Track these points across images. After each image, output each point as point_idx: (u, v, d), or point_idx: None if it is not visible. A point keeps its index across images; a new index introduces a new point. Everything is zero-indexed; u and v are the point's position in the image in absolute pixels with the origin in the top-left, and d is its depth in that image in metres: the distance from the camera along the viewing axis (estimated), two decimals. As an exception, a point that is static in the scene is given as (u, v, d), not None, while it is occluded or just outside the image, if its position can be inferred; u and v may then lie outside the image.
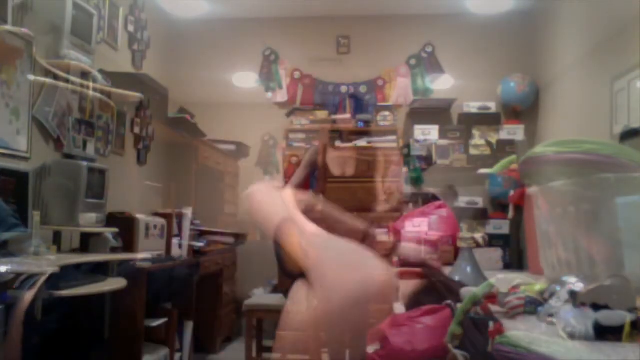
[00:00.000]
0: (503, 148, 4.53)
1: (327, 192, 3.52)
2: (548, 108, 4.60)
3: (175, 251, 3.72)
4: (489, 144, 4.69)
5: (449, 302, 0.96)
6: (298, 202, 1.32)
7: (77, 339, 2.81)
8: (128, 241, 3.23)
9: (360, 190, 3.70)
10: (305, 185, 3.35)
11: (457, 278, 1.65)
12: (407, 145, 4.64)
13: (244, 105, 5.15)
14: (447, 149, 4.68)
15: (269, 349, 3.78)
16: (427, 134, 4.71)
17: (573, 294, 0.81)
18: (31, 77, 2.90)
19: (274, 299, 3.65)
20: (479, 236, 2.54)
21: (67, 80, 3.09)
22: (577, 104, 3.93)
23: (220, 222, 4.82)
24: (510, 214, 2.25)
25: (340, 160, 3.50)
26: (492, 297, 0.84)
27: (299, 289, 1.18)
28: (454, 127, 4.86)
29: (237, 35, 5.16)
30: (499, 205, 4.61)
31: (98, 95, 3.41)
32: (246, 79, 5.24)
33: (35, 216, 2.63)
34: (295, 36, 5.19)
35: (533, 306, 0.82)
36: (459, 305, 0.89)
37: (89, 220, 2.88)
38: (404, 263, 1.82)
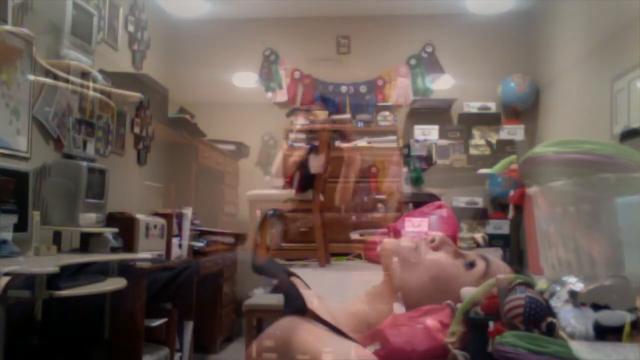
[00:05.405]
0: (503, 148, 4.54)
1: (327, 192, 3.52)
2: (548, 108, 4.60)
3: (175, 251, 3.72)
4: (489, 144, 4.70)
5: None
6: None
7: (77, 338, 2.81)
8: (128, 241, 3.23)
9: (360, 190, 3.70)
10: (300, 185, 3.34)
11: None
12: (407, 145, 4.65)
13: (244, 105, 5.15)
14: (447, 149, 4.69)
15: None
16: (427, 134, 4.71)
17: (573, 294, 0.81)
18: (31, 77, 2.90)
19: (274, 299, 3.64)
20: (479, 236, 2.55)
21: (67, 80, 3.09)
22: (577, 104, 3.93)
23: (220, 222, 4.82)
24: (510, 214, 2.25)
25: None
26: (492, 297, 0.84)
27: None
28: (454, 127, 4.86)
29: (237, 35, 5.16)
30: (499, 205, 4.62)
31: (98, 95, 3.41)
32: (246, 79, 5.24)
33: (35, 216, 2.63)
34: (295, 36, 5.19)
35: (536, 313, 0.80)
36: (459, 305, 0.89)
37: (89, 220, 2.88)
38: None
